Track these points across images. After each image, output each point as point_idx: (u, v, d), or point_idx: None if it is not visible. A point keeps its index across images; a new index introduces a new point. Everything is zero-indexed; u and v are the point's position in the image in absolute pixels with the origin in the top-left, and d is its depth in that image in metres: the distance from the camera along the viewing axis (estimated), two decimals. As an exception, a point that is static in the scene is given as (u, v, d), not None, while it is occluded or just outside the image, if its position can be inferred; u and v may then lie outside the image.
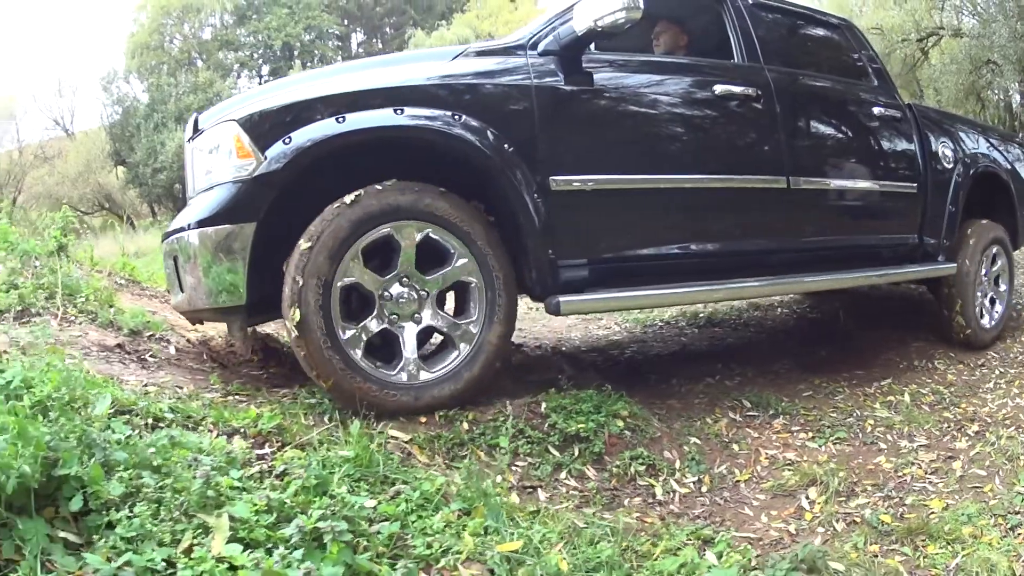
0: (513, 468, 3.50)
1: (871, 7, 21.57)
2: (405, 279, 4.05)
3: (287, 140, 3.88)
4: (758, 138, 5.28)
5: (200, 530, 2.63)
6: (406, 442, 3.58)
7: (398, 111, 4.02)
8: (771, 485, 4.10)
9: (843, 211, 5.95)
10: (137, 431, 3.10)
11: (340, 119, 3.93)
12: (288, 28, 45.61)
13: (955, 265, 6.60)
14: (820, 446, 4.62)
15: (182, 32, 43.91)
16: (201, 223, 3.89)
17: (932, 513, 3.81)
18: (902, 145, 6.36)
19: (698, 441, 4.45)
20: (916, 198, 6.38)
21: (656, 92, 4.91)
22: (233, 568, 2.48)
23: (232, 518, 2.67)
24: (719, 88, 5.07)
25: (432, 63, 4.40)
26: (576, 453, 3.85)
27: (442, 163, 4.22)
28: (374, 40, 53.12)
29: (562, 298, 4.29)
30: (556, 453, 3.83)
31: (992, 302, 7.14)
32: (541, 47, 4.55)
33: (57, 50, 62.83)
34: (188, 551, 2.54)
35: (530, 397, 4.21)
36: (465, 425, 3.92)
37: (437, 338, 4.42)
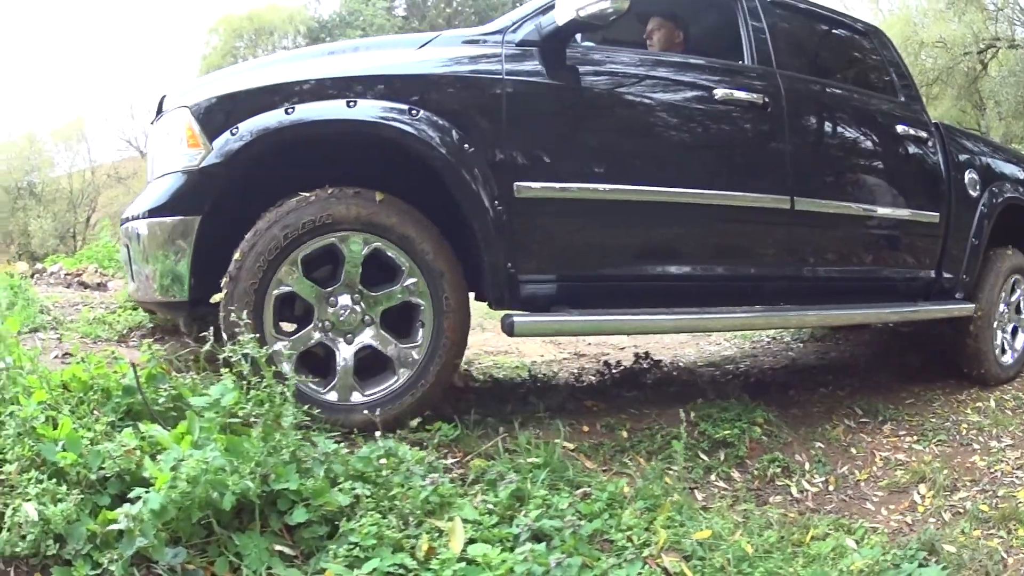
0: (670, 472, 3.79)
1: (931, 19, 21.40)
2: (349, 294, 3.76)
3: (234, 131, 3.66)
4: (761, 151, 4.80)
5: (432, 533, 2.85)
6: (572, 450, 3.84)
7: (351, 103, 3.73)
8: (887, 483, 4.49)
9: (853, 238, 5.32)
10: (341, 444, 3.26)
11: (289, 110, 3.68)
12: (360, 49, 44.85)
13: (973, 306, 5.91)
14: (924, 447, 4.98)
15: (255, 54, 42.77)
16: (149, 212, 3.74)
17: (1020, 503, 4.21)
18: (925, 169, 5.72)
19: (822, 445, 4.80)
20: (936, 228, 5.71)
21: (647, 93, 4.46)
22: (477, 565, 2.73)
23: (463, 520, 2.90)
24: (720, 92, 4.57)
25: (399, 50, 4.09)
26: (723, 457, 4.19)
27: (397, 162, 3.92)
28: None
29: (517, 318, 3.92)
30: (705, 457, 4.16)
31: (1015, 332, 6.47)
32: (520, 36, 4.14)
33: (128, 72, 63.48)
34: (428, 554, 2.77)
35: (679, 407, 4.46)
36: (624, 433, 4.22)
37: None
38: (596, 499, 3.35)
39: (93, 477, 2.88)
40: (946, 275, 5.82)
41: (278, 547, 2.84)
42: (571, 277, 4.20)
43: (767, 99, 4.73)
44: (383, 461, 3.12)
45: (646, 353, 5.92)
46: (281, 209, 3.68)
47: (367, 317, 3.79)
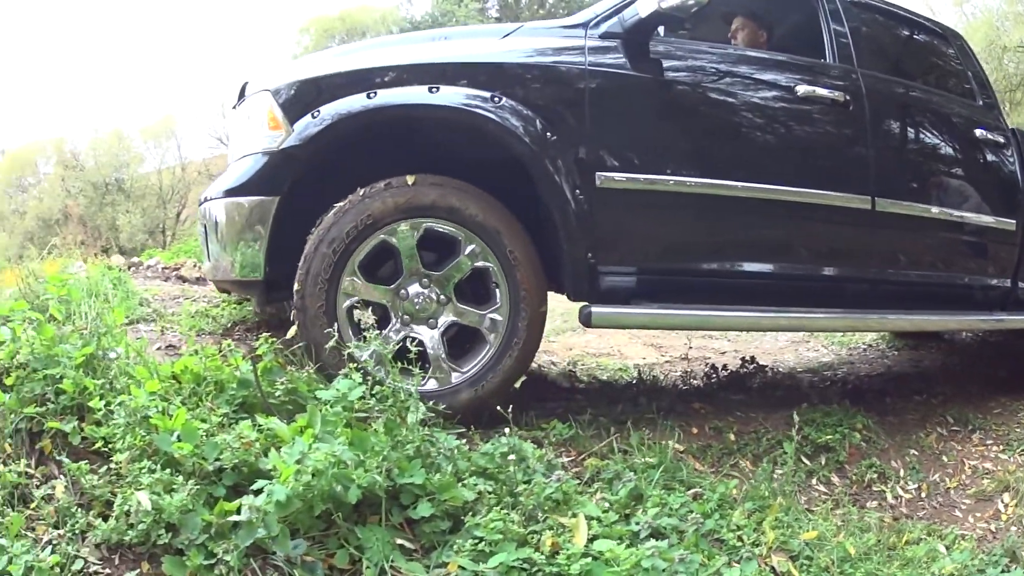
0: (777, 474, 3.81)
1: (1013, 23, 21.18)
2: (417, 281, 3.78)
3: (315, 113, 3.71)
4: (842, 150, 4.71)
5: (555, 529, 2.86)
6: (681, 452, 3.84)
7: (433, 89, 3.74)
8: (974, 491, 4.44)
9: (930, 243, 5.16)
10: (464, 441, 3.30)
11: (371, 94, 3.70)
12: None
13: None
14: (1009, 457, 4.87)
15: (346, 55, 43.28)
16: (228, 192, 3.81)
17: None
18: (1002, 175, 5.54)
19: (916, 452, 4.75)
20: (1013, 237, 5.49)
21: (730, 88, 4.41)
22: (603, 560, 2.73)
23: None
24: (802, 89, 4.48)
25: (482, 40, 4.12)
26: (824, 462, 4.17)
27: (480, 150, 3.91)
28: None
29: (595, 308, 3.89)
30: (807, 461, 4.14)
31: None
32: (603, 29, 4.11)
33: (220, 72, 63.75)
34: (553, 549, 2.77)
35: (784, 411, 4.45)
36: (732, 436, 4.22)
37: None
38: (707, 499, 3.37)
39: (209, 468, 2.88)
40: (1023, 286, 5.60)
41: (399, 541, 2.84)
42: (651, 271, 4.16)
43: (848, 97, 4.64)
44: (512, 457, 3.12)
45: (751, 357, 5.90)
46: (322, 227, 3.69)
47: (442, 297, 3.79)
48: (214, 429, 3.01)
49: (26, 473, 3.01)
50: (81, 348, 3.31)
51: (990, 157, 5.49)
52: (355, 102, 3.72)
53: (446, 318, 3.81)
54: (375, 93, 3.72)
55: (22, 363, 3.28)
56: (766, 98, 4.51)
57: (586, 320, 3.90)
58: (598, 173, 3.93)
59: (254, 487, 2.75)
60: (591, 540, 2.84)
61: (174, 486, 2.79)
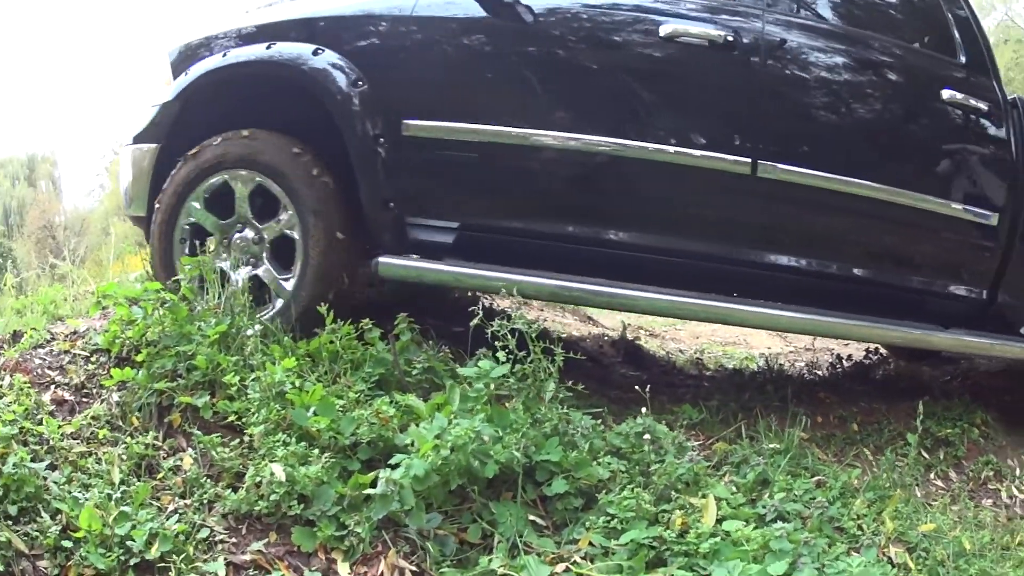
0: (898, 465, 3.76)
1: None
2: (243, 225, 3.91)
3: (186, 73, 4.01)
4: (713, 100, 3.95)
5: (685, 509, 2.87)
6: (806, 440, 3.81)
7: (269, 46, 3.89)
8: (1083, 494, 4.38)
9: (848, 227, 4.09)
10: (598, 420, 3.31)
11: (225, 54, 3.97)
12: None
13: None
14: (1120, 464, 4.85)
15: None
16: (133, 139, 4.15)
17: None
18: (981, 151, 4.24)
19: (1031, 452, 4.68)
20: (993, 234, 4.19)
21: (563, 26, 3.89)
22: (732, 540, 2.75)
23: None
24: (667, 29, 3.80)
25: None
26: (942, 456, 4.12)
27: (309, 104, 3.89)
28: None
29: (381, 259, 3.71)
30: (926, 455, 4.09)
31: None
32: None
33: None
34: (682, 528, 2.79)
35: (906, 403, 4.38)
36: (855, 427, 4.21)
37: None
38: (831, 487, 3.36)
39: (345, 442, 2.95)
40: (1007, 299, 4.27)
41: (531, 517, 2.89)
42: (472, 227, 3.90)
43: (732, 38, 3.85)
44: (647, 437, 3.15)
45: (876, 347, 5.83)
46: (177, 167, 3.94)
47: (263, 239, 3.92)
48: (350, 405, 3.09)
49: (153, 445, 3.12)
50: (215, 326, 3.42)
51: (963, 127, 4.22)
52: (212, 62, 3.98)
53: (252, 268, 3.92)
54: (227, 52, 3.99)
55: (152, 341, 3.41)
56: (613, 40, 3.93)
57: (374, 270, 3.76)
58: (404, 120, 3.80)
59: (392, 461, 2.81)
60: (719, 521, 2.86)
61: (308, 459, 2.87)
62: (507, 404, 3.10)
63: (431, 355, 3.53)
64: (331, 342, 3.47)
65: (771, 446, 3.57)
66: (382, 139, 3.79)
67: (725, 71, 3.92)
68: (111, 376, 3.36)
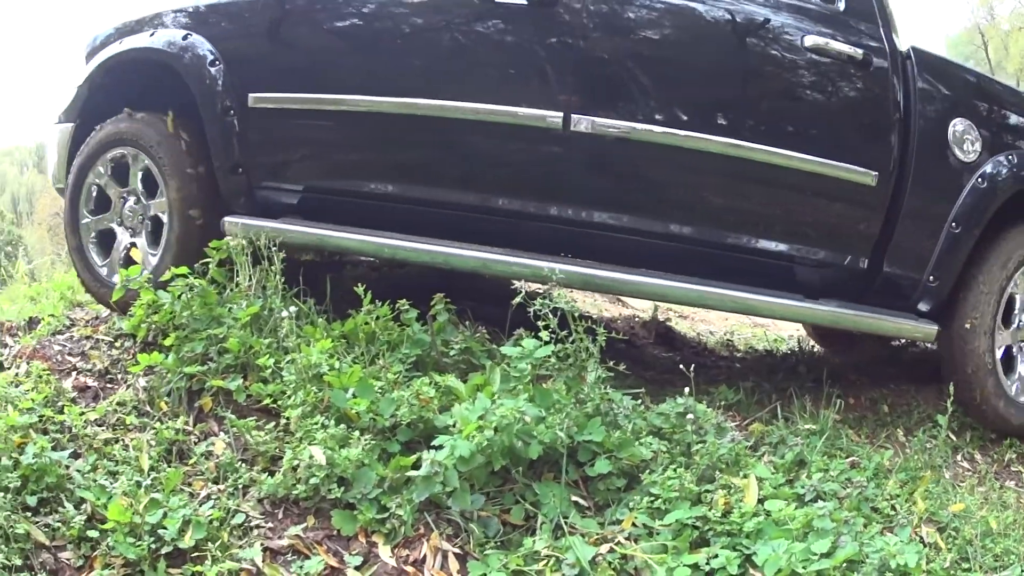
0: (928, 446, 3.74)
1: None
2: (136, 198, 4.17)
3: (89, 59, 4.40)
4: (524, 52, 3.77)
5: (727, 489, 2.88)
6: (838, 421, 3.80)
7: (152, 33, 4.22)
8: (1106, 479, 4.41)
9: (686, 184, 3.84)
10: (638, 401, 3.29)
11: (120, 42, 4.27)
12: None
13: (935, 328, 3.85)
14: None
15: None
16: (57, 118, 4.47)
17: None
18: (854, 103, 3.84)
19: (1055, 436, 4.70)
20: (873, 196, 3.78)
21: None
22: (773, 519, 2.76)
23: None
24: None
25: None
26: (969, 438, 4.10)
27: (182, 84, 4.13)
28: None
29: (227, 218, 3.90)
30: (953, 437, 4.08)
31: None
32: None
33: None
34: (725, 508, 2.79)
35: (934, 384, 4.36)
36: (886, 408, 4.23)
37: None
38: (864, 468, 3.37)
39: (385, 424, 2.94)
40: (892, 270, 3.89)
41: (574, 497, 2.88)
42: (313, 189, 4.09)
43: None
44: (689, 416, 3.15)
45: None
46: (86, 142, 4.25)
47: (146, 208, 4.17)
48: (389, 386, 3.08)
49: (183, 430, 3.09)
50: (247, 308, 3.40)
51: (829, 77, 3.83)
52: (111, 50, 4.27)
53: (131, 236, 4.20)
54: (122, 41, 4.27)
55: (180, 324, 3.38)
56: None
57: (220, 228, 3.94)
58: (250, 94, 4.03)
59: (435, 442, 2.79)
60: (760, 501, 2.86)
61: (348, 441, 2.85)
62: (547, 384, 3.09)
63: (468, 336, 3.54)
64: (367, 323, 3.47)
65: (806, 427, 3.59)
66: (232, 111, 4.02)
67: (540, 19, 3.75)
68: (137, 361, 3.34)
